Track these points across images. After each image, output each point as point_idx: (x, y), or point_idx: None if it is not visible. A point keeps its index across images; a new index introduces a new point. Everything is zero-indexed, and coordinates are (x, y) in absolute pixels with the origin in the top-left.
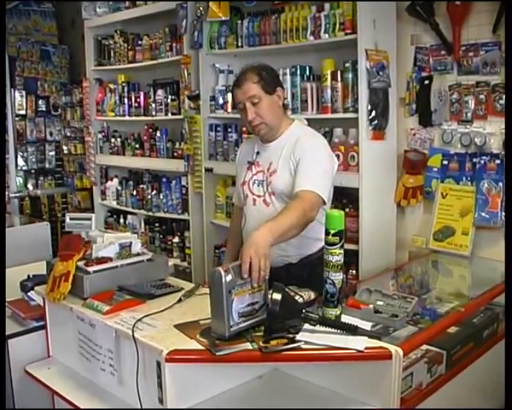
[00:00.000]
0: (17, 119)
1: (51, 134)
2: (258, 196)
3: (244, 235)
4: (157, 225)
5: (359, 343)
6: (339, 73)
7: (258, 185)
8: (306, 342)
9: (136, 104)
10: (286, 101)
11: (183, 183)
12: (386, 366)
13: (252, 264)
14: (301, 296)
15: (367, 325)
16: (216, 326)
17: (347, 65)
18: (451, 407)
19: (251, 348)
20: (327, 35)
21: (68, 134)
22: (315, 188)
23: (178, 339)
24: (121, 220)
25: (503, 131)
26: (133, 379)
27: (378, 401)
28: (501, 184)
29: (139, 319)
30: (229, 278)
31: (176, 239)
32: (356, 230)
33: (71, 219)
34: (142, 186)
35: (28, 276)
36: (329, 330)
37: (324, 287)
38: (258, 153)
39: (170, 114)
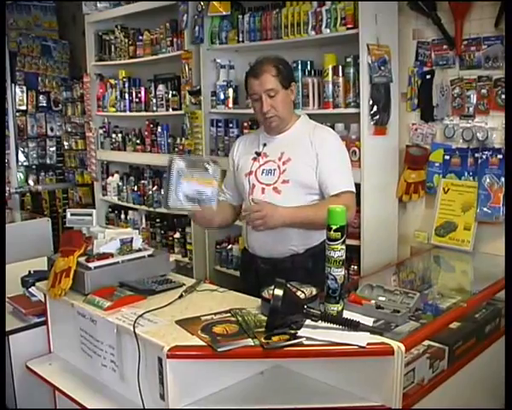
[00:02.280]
0: (18, 114)
1: (52, 130)
2: (267, 185)
3: (249, 228)
4: (158, 220)
5: (361, 339)
6: (340, 68)
7: (267, 174)
8: (308, 338)
9: (137, 100)
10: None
11: None
12: (389, 362)
13: (257, 217)
14: (303, 292)
15: (369, 321)
16: (163, 199)
17: (349, 60)
18: (454, 402)
19: (252, 344)
20: (328, 30)
21: (69, 130)
22: (349, 187)
23: (180, 335)
24: (122, 216)
25: None
26: (134, 375)
27: (380, 397)
28: (503, 179)
29: (140, 315)
30: (181, 164)
31: (177, 235)
32: (357, 225)
33: (72, 214)
34: (143, 182)
35: (29, 272)
36: (331, 326)
37: (326, 283)
38: (265, 144)
39: (171, 110)
